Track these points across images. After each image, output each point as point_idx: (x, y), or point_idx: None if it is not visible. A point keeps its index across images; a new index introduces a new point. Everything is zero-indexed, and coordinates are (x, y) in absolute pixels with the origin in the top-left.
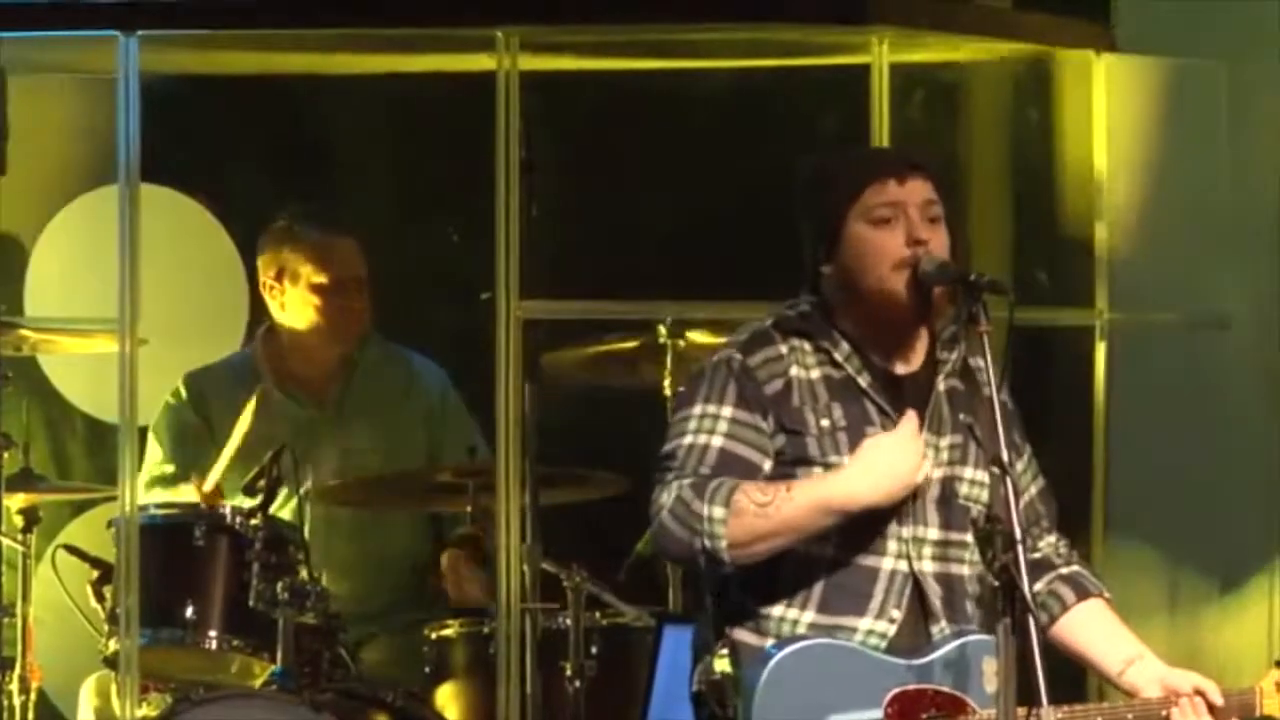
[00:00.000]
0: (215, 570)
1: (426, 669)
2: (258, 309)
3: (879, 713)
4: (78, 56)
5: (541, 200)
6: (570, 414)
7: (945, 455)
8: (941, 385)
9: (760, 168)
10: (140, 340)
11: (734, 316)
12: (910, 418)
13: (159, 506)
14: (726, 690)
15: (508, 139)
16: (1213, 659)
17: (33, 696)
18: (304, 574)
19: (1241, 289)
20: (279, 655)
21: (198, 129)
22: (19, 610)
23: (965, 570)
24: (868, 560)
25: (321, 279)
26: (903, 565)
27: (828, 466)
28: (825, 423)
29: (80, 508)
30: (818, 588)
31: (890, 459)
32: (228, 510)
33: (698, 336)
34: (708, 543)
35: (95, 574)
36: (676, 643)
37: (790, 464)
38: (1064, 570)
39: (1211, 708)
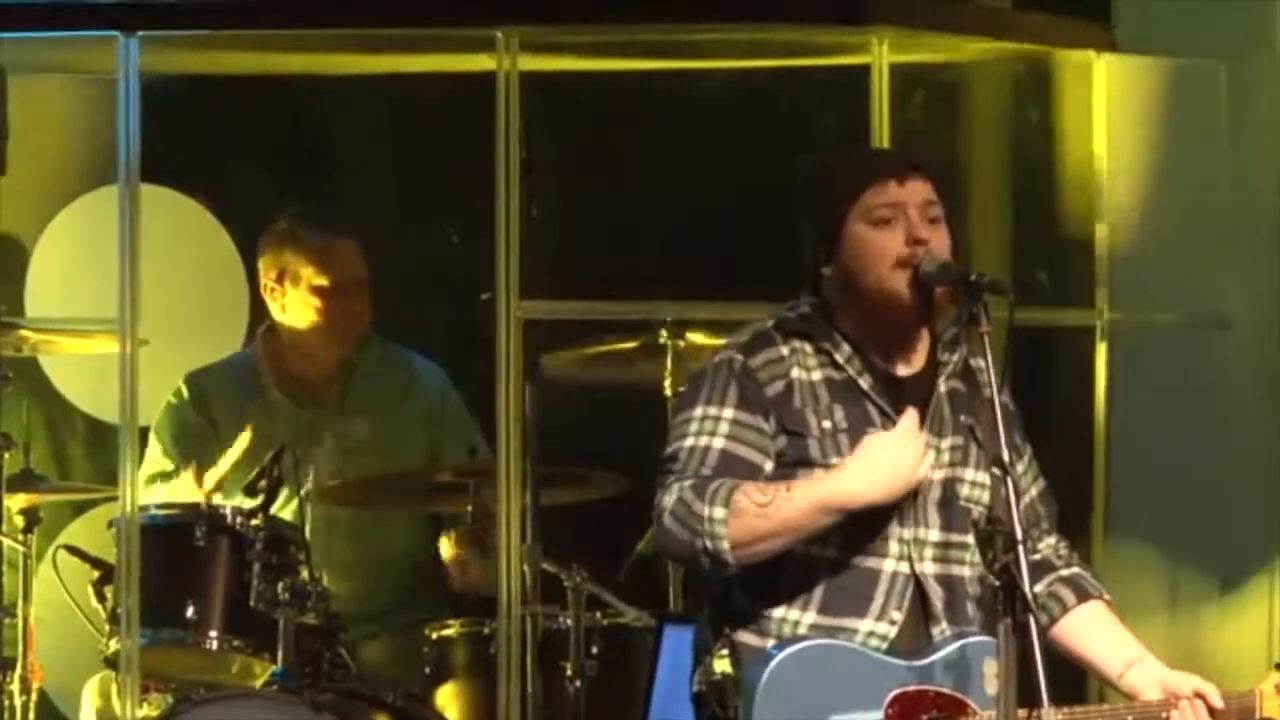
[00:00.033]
0: (216, 570)
1: (426, 669)
2: (258, 309)
3: (879, 714)
4: (78, 56)
5: (541, 200)
6: (570, 414)
7: (946, 457)
8: (943, 387)
9: (760, 168)
10: (140, 340)
11: (734, 316)
12: (910, 415)
13: (159, 506)
14: (727, 691)
15: (508, 139)
16: (1212, 659)
17: (34, 697)
18: (304, 574)
19: (1241, 289)
20: (279, 655)
21: (198, 129)
22: (20, 610)
23: (966, 572)
24: (869, 562)
25: (322, 281)
26: (904, 567)
27: (829, 468)
28: (827, 424)
29: (81, 508)
30: (819, 589)
31: (890, 457)
32: (228, 510)
33: (698, 337)
34: (709, 543)
35: (96, 574)
36: (677, 643)
37: (791, 465)
38: (1064, 572)
39: (1211, 710)
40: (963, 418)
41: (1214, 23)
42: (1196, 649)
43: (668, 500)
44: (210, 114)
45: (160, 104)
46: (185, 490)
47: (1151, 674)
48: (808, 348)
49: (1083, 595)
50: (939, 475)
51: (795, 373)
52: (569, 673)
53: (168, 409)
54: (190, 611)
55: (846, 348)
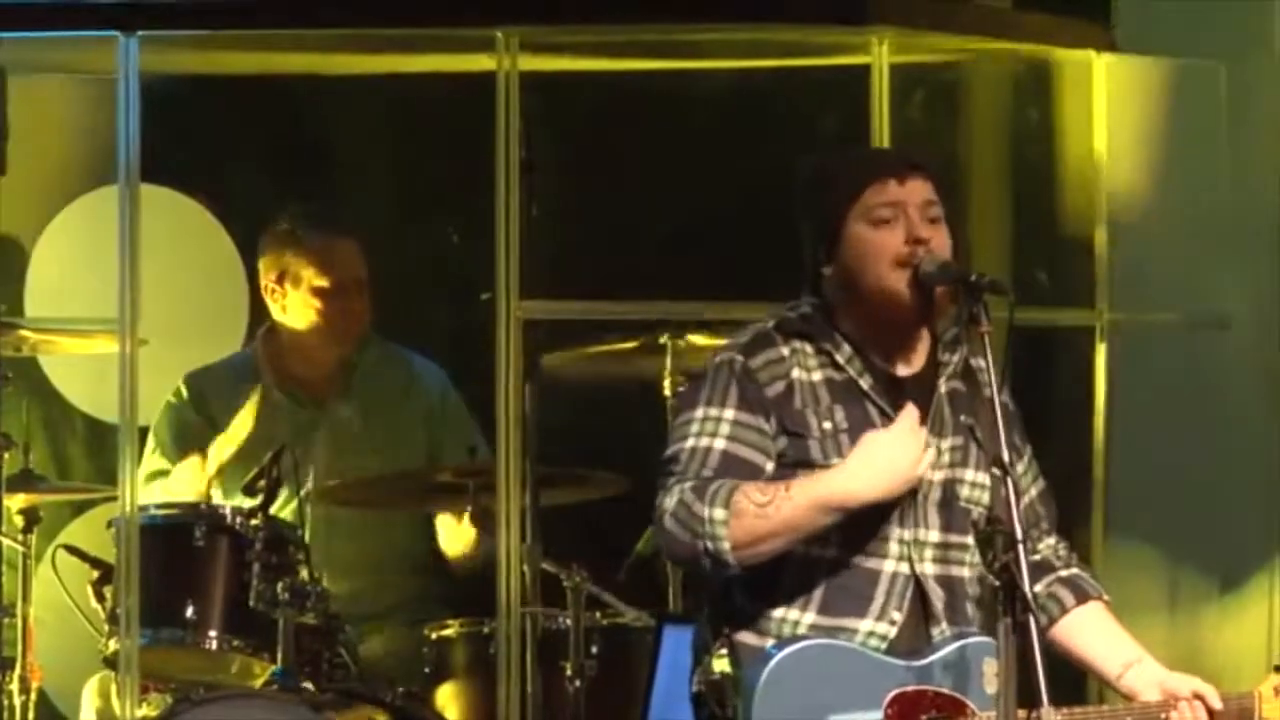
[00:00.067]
0: (215, 570)
1: (426, 669)
2: (258, 309)
3: (878, 714)
4: (78, 56)
5: (541, 200)
6: (570, 414)
7: (946, 458)
8: (943, 387)
9: (760, 168)
10: (140, 340)
11: (734, 316)
12: (909, 412)
13: (159, 506)
14: (726, 690)
15: (508, 139)
16: (1212, 659)
17: (33, 697)
18: (304, 574)
19: (1241, 289)
20: (279, 655)
21: (198, 129)
22: (19, 610)
23: (966, 572)
24: (869, 562)
25: (323, 282)
26: (904, 568)
27: (829, 469)
28: (827, 425)
29: (80, 508)
30: (819, 589)
31: (888, 455)
32: (228, 510)
33: (698, 337)
34: (710, 545)
35: (95, 574)
36: (676, 643)
37: (792, 466)
38: (1063, 573)
39: (1210, 712)
40: (963, 418)
41: (1214, 23)
42: (1196, 649)
43: (669, 502)
44: (210, 114)
45: (160, 104)
46: (184, 488)
47: (1150, 675)
48: (808, 348)
49: (1082, 596)
50: (939, 476)
51: (796, 373)
52: (568, 673)
53: (167, 409)
54: (190, 611)
55: (847, 348)
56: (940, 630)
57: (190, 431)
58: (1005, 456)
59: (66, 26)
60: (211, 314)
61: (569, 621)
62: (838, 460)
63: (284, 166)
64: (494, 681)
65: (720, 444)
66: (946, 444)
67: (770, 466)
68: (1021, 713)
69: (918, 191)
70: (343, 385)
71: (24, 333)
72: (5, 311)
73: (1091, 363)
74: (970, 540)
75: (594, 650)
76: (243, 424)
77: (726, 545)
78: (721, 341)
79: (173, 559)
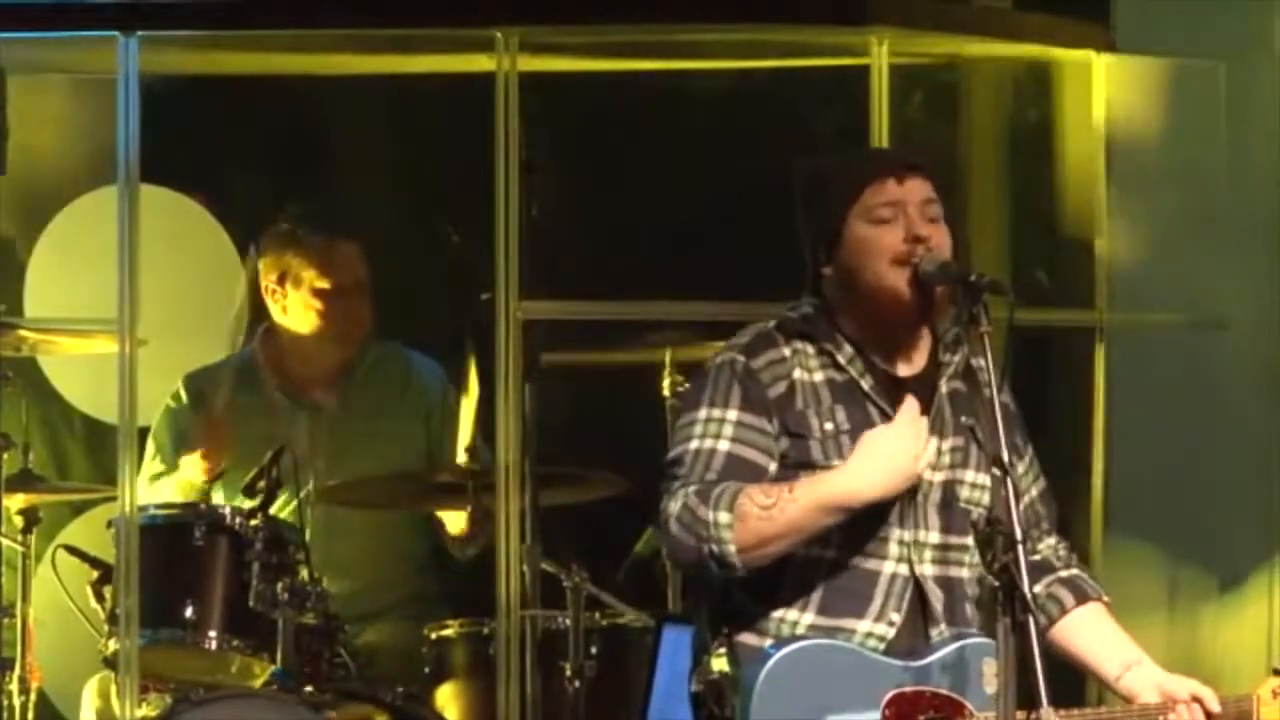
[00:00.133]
0: (215, 570)
1: (426, 669)
2: (258, 309)
3: (876, 714)
4: (78, 56)
5: (541, 200)
6: (570, 414)
7: (947, 459)
8: (944, 387)
9: (760, 168)
10: (140, 341)
11: (734, 316)
12: (910, 405)
13: (158, 506)
14: (725, 690)
15: (507, 139)
16: (1211, 658)
17: (33, 697)
18: (303, 574)
19: (1241, 289)
20: (279, 655)
21: (198, 129)
22: (19, 611)
23: (965, 574)
24: (869, 563)
25: (324, 283)
26: (903, 569)
27: (830, 470)
28: (829, 426)
29: (80, 508)
30: (818, 590)
31: (889, 452)
32: (227, 510)
33: (697, 337)
34: (715, 548)
35: (95, 574)
36: (676, 643)
37: (793, 467)
38: (1063, 573)
39: (1208, 714)
40: (964, 419)
41: (1214, 23)
42: (1195, 648)
43: (673, 507)
44: (210, 114)
45: (160, 104)
46: (185, 487)
47: (1149, 677)
48: (809, 349)
49: (1081, 597)
50: (939, 477)
51: (797, 374)
52: (568, 673)
53: (166, 412)
54: (189, 611)
55: (848, 348)
56: (939, 631)
57: (189, 436)
58: (1005, 457)
59: (66, 26)
60: (211, 314)
61: (569, 622)
62: (839, 461)
63: (284, 166)
64: (493, 682)
65: (724, 446)
66: (947, 445)
67: (773, 467)
68: (1021, 714)
69: (917, 191)
70: (342, 385)
71: (24, 333)
72: (5, 311)
73: (1091, 363)
74: (970, 541)
75: (593, 651)
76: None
77: (731, 548)
78: (721, 342)
79: (172, 559)
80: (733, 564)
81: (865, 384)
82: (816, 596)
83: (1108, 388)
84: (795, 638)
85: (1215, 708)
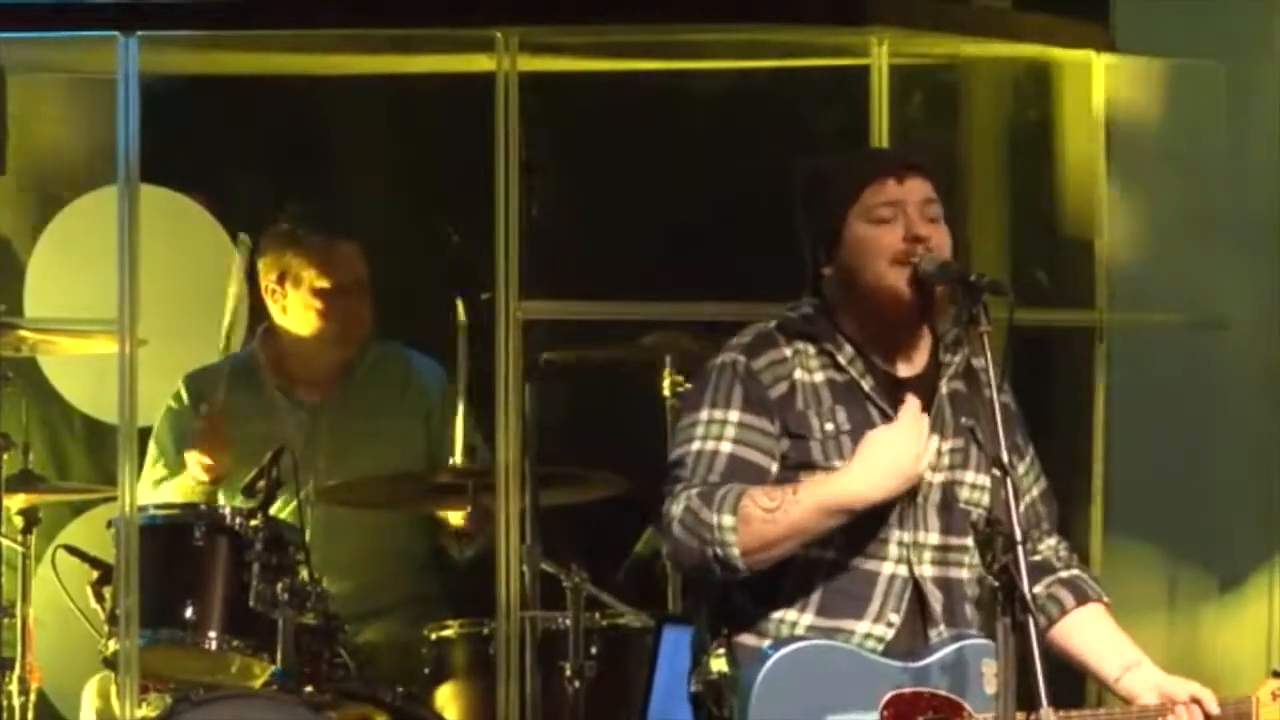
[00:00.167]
0: (215, 571)
1: (426, 669)
2: (258, 309)
3: (875, 715)
4: (78, 56)
5: (541, 200)
6: (570, 414)
7: (946, 460)
8: (944, 388)
9: (760, 168)
10: (140, 341)
11: (734, 316)
12: (911, 404)
13: (158, 507)
14: (724, 691)
15: (507, 139)
16: (1211, 658)
17: (32, 697)
18: (304, 574)
19: (1241, 289)
20: (279, 655)
21: (198, 129)
22: (19, 611)
23: (965, 574)
24: (868, 564)
25: (324, 283)
26: (902, 570)
27: (830, 471)
28: (829, 427)
29: (80, 508)
30: (817, 591)
31: (891, 452)
32: (227, 510)
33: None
34: (719, 551)
35: (95, 574)
36: (676, 643)
37: (794, 468)
38: (1063, 574)
39: (1207, 716)
40: (963, 420)
41: (1214, 23)
42: (1195, 648)
43: (675, 509)
44: (210, 114)
45: (160, 104)
46: (188, 491)
47: (1148, 678)
48: (810, 349)
49: (1081, 598)
50: (939, 478)
51: (798, 374)
52: (568, 673)
53: (168, 413)
54: (189, 612)
55: (849, 349)
56: (938, 632)
57: (191, 437)
58: (1005, 457)
59: (66, 26)
60: (211, 314)
61: (568, 622)
62: (839, 462)
63: (284, 166)
64: (493, 682)
65: (726, 447)
66: (947, 446)
67: (775, 468)
68: (1020, 715)
69: (916, 190)
70: (342, 385)
71: (24, 333)
72: (5, 311)
73: (1091, 363)
74: (970, 542)
75: (593, 651)
76: (231, 296)
77: (736, 551)
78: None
79: (172, 559)
80: (737, 567)
81: (866, 384)
82: (816, 597)
83: (1108, 388)
84: (794, 638)
85: (1214, 709)
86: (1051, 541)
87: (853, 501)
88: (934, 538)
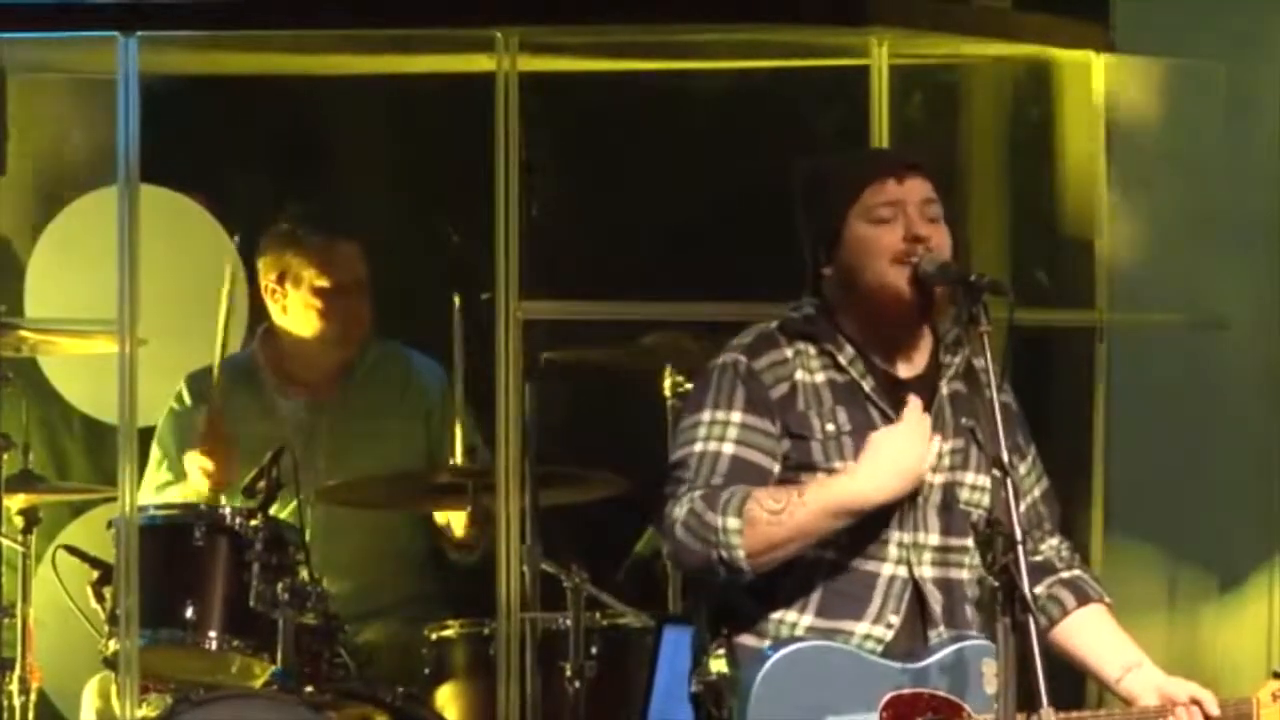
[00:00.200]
0: (215, 571)
1: (426, 669)
2: (258, 309)
3: (874, 716)
4: (78, 56)
5: (541, 200)
6: (570, 414)
7: (947, 460)
8: (945, 389)
9: (760, 168)
10: (140, 341)
11: (734, 316)
12: (914, 405)
13: (158, 507)
14: (723, 691)
15: (507, 139)
16: (1211, 658)
17: (33, 697)
18: (304, 574)
19: (1241, 289)
20: (279, 655)
21: (198, 129)
22: (19, 611)
23: (965, 575)
24: (868, 565)
25: (324, 283)
26: (902, 571)
27: (831, 472)
28: (830, 427)
29: (80, 508)
30: (817, 592)
31: (895, 454)
32: (227, 510)
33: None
34: (724, 554)
35: (95, 574)
36: (676, 643)
37: (794, 469)
38: (1064, 575)
39: (1207, 718)
40: (964, 420)
41: (1214, 23)
42: (1195, 648)
43: (679, 511)
44: (210, 114)
45: (160, 104)
46: (191, 496)
47: (1149, 679)
48: (811, 350)
49: (1083, 598)
50: (939, 479)
51: (799, 375)
52: (568, 673)
53: (170, 415)
54: (189, 612)
55: (849, 349)
56: (938, 633)
57: (194, 438)
58: (1005, 458)
59: (66, 26)
60: (211, 314)
61: (569, 622)
62: (840, 462)
63: (284, 166)
64: (494, 682)
65: (729, 449)
66: (947, 446)
67: (777, 469)
68: (1020, 716)
69: (916, 190)
70: (342, 385)
71: (24, 333)
72: (5, 311)
73: (1091, 363)
74: (970, 543)
75: (593, 651)
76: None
77: (741, 554)
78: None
79: (172, 559)
80: (742, 569)
81: (866, 385)
82: (815, 598)
83: (1108, 388)
84: (793, 639)
85: (1214, 711)
86: (1053, 542)
87: (859, 502)
88: (934, 539)
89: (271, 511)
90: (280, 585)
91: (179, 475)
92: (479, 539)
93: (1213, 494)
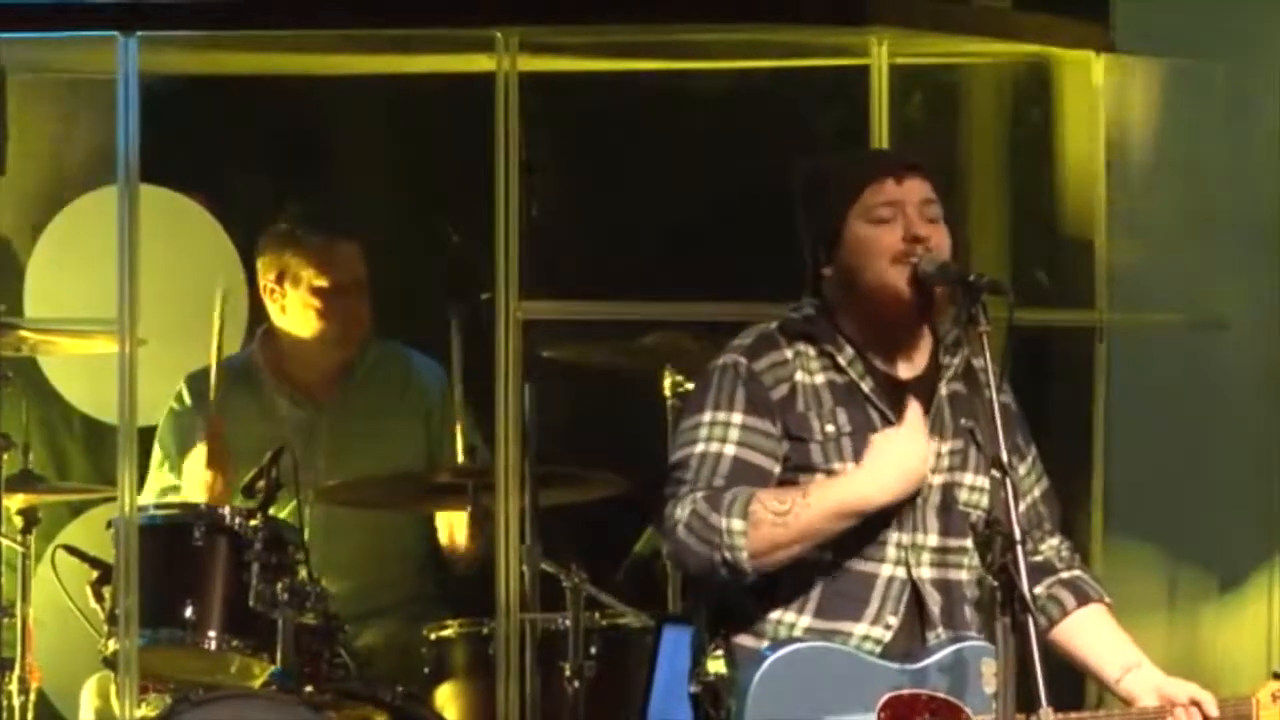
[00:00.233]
0: (215, 570)
1: (426, 669)
2: (257, 309)
3: (872, 717)
4: (78, 56)
5: (541, 200)
6: (570, 414)
7: (946, 461)
8: (944, 390)
9: (760, 168)
10: (140, 341)
11: (733, 316)
12: (914, 409)
13: (158, 507)
14: (721, 692)
15: (507, 139)
16: (1211, 658)
17: (32, 697)
18: (303, 574)
19: (1241, 289)
20: (279, 655)
21: (198, 129)
22: (19, 611)
23: (964, 576)
24: (866, 566)
25: (323, 282)
26: (901, 572)
27: (831, 473)
28: (830, 429)
29: (79, 508)
30: (816, 593)
31: (898, 455)
32: (227, 510)
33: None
34: (728, 555)
35: (95, 574)
36: (676, 643)
37: (794, 471)
38: (1064, 575)
39: (1207, 718)
40: (963, 421)
41: (1214, 23)
42: (1195, 648)
43: (681, 512)
44: (210, 114)
45: (160, 104)
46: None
47: (1148, 680)
48: (810, 351)
49: (1083, 599)
50: (938, 480)
51: (799, 376)
52: (567, 673)
53: (170, 415)
54: (189, 612)
55: (849, 350)
56: (936, 634)
57: (195, 438)
58: (1004, 457)
59: (66, 26)
60: (211, 314)
61: (568, 622)
62: (839, 464)
63: (284, 166)
64: (493, 682)
65: (731, 450)
66: (946, 447)
67: (778, 470)
68: (1020, 716)
69: (916, 191)
70: (342, 385)
71: (24, 333)
72: (5, 311)
73: (1091, 363)
74: (969, 544)
75: (593, 651)
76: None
77: (744, 555)
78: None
79: (172, 559)
80: (745, 570)
81: (865, 386)
82: (814, 599)
83: (1108, 388)
84: (791, 640)
85: (1214, 712)
86: (1054, 542)
87: (865, 504)
88: (933, 539)
89: (271, 511)
90: (280, 585)
91: (180, 477)
92: (478, 552)
93: (1213, 494)
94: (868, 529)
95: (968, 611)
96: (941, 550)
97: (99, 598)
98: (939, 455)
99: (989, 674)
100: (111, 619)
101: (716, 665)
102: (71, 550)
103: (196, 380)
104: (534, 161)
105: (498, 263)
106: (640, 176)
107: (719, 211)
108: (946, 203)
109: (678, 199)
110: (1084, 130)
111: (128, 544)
